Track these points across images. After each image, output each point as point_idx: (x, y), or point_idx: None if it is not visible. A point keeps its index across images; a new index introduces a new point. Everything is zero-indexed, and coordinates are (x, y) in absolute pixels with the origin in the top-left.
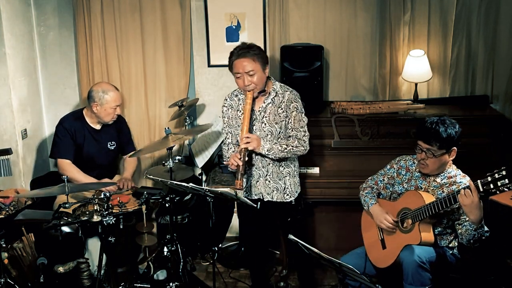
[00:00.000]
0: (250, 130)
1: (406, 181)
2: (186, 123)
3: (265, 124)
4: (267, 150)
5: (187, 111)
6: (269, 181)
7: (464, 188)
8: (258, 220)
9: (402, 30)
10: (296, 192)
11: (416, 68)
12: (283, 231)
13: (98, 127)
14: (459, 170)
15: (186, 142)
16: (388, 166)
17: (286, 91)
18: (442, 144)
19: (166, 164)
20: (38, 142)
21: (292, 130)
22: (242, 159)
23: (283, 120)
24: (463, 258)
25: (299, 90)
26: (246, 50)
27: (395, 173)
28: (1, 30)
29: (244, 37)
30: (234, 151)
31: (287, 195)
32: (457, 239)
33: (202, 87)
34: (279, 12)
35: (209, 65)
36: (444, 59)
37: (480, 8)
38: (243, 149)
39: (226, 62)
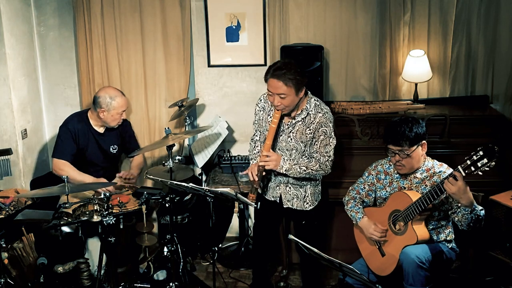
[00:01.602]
0: (275, 144)
1: (388, 184)
2: (186, 123)
3: (291, 139)
4: (285, 170)
5: (187, 111)
6: (290, 188)
7: (446, 178)
8: (274, 219)
9: (402, 30)
10: (316, 200)
11: (416, 68)
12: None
13: (101, 130)
14: (435, 161)
15: (186, 142)
16: (366, 173)
17: (319, 112)
18: (412, 142)
19: (166, 164)
20: (38, 142)
21: (316, 153)
22: (258, 175)
23: (309, 140)
24: (462, 253)
25: None
26: (282, 72)
27: (374, 179)
28: (1, 30)
29: (244, 37)
30: (259, 151)
31: (307, 203)
32: (453, 232)
33: (202, 87)
34: (279, 12)
35: (209, 65)
36: (444, 59)
37: (480, 8)
38: (260, 167)
39: (226, 62)
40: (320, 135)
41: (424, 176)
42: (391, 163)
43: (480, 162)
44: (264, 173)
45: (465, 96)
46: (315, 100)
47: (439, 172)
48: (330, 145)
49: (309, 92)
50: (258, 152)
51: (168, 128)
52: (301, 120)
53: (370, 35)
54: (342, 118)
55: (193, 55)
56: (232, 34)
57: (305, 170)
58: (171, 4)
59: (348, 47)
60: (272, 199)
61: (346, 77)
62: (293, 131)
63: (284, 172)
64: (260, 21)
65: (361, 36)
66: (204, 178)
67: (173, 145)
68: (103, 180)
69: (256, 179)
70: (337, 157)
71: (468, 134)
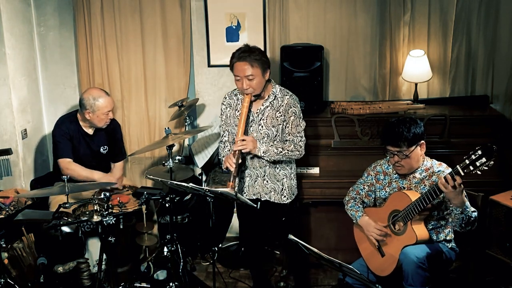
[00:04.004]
0: (247, 132)
1: (387, 185)
2: (186, 123)
3: (262, 126)
4: (263, 152)
5: (187, 111)
6: (267, 181)
7: (445, 177)
8: (257, 220)
9: (402, 30)
10: (293, 194)
11: (416, 68)
12: (279, 231)
13: (90, 131)
14: (434, 160)
15: (186, 142)
16: (366, 174)
17: (286, 95)
18: (410, 143)
19: (166, 164)
20: (38, 142)
21: (289, 135)
22: (235, 161)
23: (280, 124)
24: (462, 253)
25: (299, 90)
26: (247, 54)
27: (373, 180)
28: (1, 30)
29: (244, 37)
30: (230, 150)
31: (284, 196)
32: (452, 231)
33: (202, 87)
34: (279, 12)
35: (209, 65)
36: (444, 59)
37: (480, 8)
38: (237, 152)
39: (226, 62)
40: (291, 116)
41: (423, 176)
42: (390, 163)
43: (479, 161)
44: (240, 161)
45: (465, 96)
46: (279, 86)
47: (438, 171)
48: (301, 126)
49: (272, 80)
50: (229, 151)
51: (168, 128)
52: (269, 105)
53: (370, 35)
54: (342, 118)
55: (193, 55)
56: (232, 34)
57: (281, 151)
58: (171, 4)
59: (348, 47)
60: (254, 196)
61: (346, 77)
62: (263, 117)
63: (262, 155)
64: (260, 21)
65: (361, 36)
66: (204, 178)
67: (173, 145)
68: (109, 176)
69: (234, 166)
70: (337, 157)
71: (468, 134)
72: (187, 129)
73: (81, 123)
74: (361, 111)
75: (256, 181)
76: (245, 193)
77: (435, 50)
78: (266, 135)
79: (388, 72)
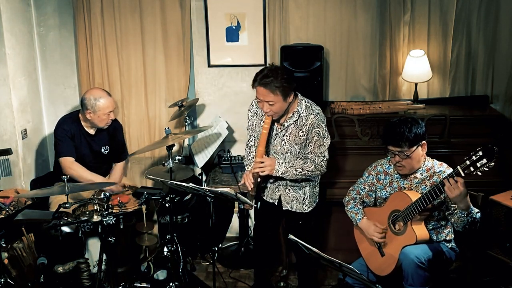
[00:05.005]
0: (269, 147)
1: (388, 184)
2: (186, 123)
3: (285, 142)
4: (281, 174)
5: (187, 111)
6: (289, 190)
7: (446, 178)
8: (274, 221)
9: (402, 30)
10: (314, 202)
11: (416, 68)
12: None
13: (92, 131)
14: (435, 160)
15: (186, 142)
16: (366, 174)
17: (310, 114)
18: (411, 143)
19: (166, 164)
20: (38, 142)
21: (311, 153)
22: (254, 182)
23: (303, 142)
24: (462, 253)
25: (299, 90)
26: (269, 80)
27: (374, 180)
28: (1, 30)
29: (244, 37)
30: (253, 157)
31: (306, 205)
32: (452, 232)
33: (202, 87)
34: (279, 12)
35: (209, 65)
36: (444, 59)
37: (480, 8)
38: (255, 173)
39: (226, 62)
40: (314, 136)
41: (424, 176)
42: (391, 163)
43: (480, 162)
44: (259, 179)
45: (465, 96)
46: (305, 102)
47: (439, 171)
48: (324, 145)
49: (299, 94)
50: (253, 157)
51: (168, 128)
52: (293, 123)
53: (370, 35)
54: (342, 118)
55: (193, 55)
56: (232, 34)
57: (301, 172)
58: (171, 4)
59: (348, 47)
60: (271, 201)
61: (346, 77)
62: (286, 134)
63: (280, 175)
64: (260, 21)
65: (361, 36)
66: (204, 178)
67: (173, 145)
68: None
69: (252, 186)
70: (337, 157)
71: (468, 134)
72: (187, 129)
73: (82, 123)
74: (361, 111)
75: (277, 188)
76: (264, 194)
77: (435, 50)
78: (289, 151)
79: (388, 72)
